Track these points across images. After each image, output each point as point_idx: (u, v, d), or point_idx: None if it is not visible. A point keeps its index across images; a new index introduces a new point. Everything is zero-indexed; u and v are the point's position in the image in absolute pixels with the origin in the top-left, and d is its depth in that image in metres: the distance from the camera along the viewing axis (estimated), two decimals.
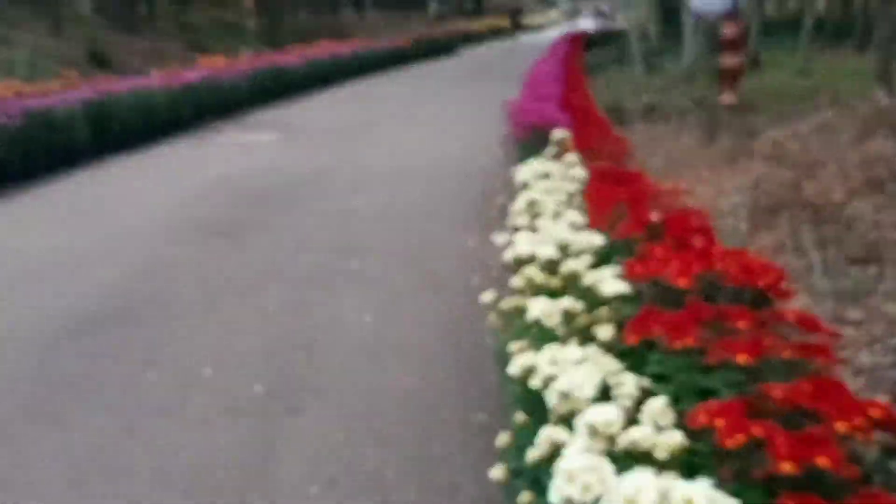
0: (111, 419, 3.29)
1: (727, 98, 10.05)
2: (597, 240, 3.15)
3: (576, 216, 3.45)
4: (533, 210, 4.08)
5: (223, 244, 5.77)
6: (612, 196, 3.79)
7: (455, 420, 3.30)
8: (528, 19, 47.84)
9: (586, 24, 44.75)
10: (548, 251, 3.11)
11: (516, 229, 4.20)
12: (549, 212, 3.93)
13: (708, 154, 7.50)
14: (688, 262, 2.47)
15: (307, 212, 6.68)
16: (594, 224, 3.45)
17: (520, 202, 4.21)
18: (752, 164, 6.48)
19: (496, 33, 36.41)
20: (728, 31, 9.92)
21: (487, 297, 3.17)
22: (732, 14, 9.96)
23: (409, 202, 6.98)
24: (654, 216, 3.24)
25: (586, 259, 3.02)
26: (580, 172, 4.49)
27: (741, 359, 1.80)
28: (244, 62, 14.12)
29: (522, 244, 3.26)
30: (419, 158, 9.11)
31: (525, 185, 4.70)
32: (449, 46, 27.95)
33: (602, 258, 3.12)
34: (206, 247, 5.71)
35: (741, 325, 1.95)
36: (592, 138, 5.41)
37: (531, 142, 5.81)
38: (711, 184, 6.27)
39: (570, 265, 2.94)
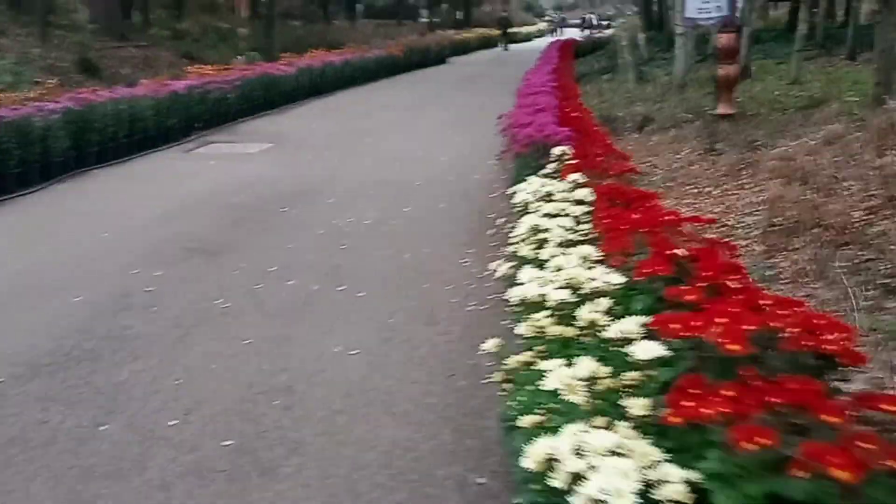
0: (55, 486, 2.78)
1: (724, 108, 9.60)
2: (615, 279, 2.66)
3: (587, 248, 2.95)
4: (536, 237, 3.60)
5: (203, 266, 5.25)
6: (626, 223, 3.31)
7: (452, 482, 2.80)
8: (515, 29, 47.44)
9: (574, 33, 44.41)
10: (559, 294, 2.62)
11: (518, 258, 3.72)
12: (554, 240, 3.45)
13: (709, 167, 7.04)
14: (736, 318, 1.98)
15: (294, 230, 6.17)
16: (608, 256, 2.96)
17: (521, 227, 3.73)
18: (758, 180, 6.01)
19: (486, 43, 35.97)
20: (724, 40, 9.46)
21: (489, 345, 2.69)
22: (729, 23, 9.51)
23: (402, 220, 6.48)
24: (679, 251, 2.77)
25: (604, 303, 2.55)
26: (585, 193, 4.00)
27: (839, 474, 1.32)
28: (234, 71, 13.59)
29: (529, 283, 2.78)
30: (412, 171, 8.61)
31: (525, 207, 4.22)
32: (440, 56, 27.47)
33: (621, 299, 2.64)
34: (184, 269, 5.19)
35: (828, 417, 1.47)
36: (594, 153, 4.92)
37: (529, 157, 5.33)
38: (716, 200, 5.80)
39: (587, 314, 2.46)
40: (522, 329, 2.59)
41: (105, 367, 3.70)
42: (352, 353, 3.86)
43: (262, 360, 3.77)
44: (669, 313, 2.16)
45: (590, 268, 2.83)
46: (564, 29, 53.43)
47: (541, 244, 3.46)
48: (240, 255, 5.50)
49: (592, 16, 56.56)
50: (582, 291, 2.67)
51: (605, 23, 52.93)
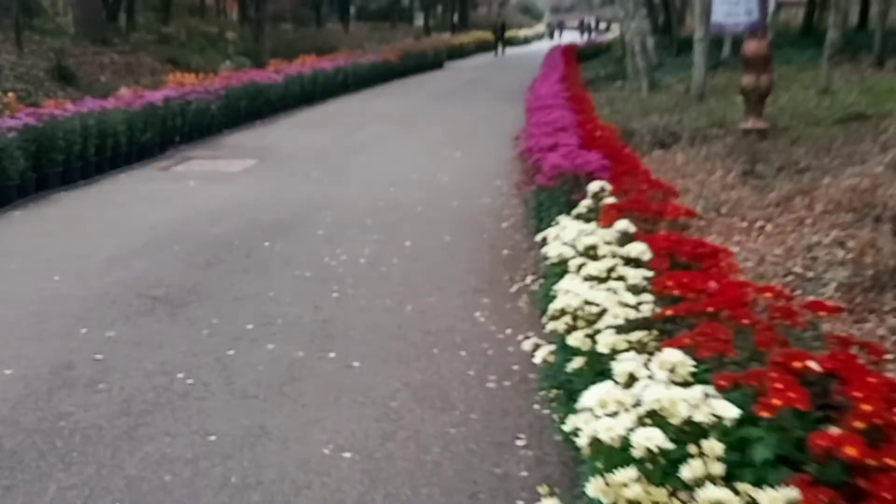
0: None
1: (754, 122, 8.84)
2: (728, 411, 1.86)
3: (673, 353, 2.14)
4: (583, 316, 2.82)
5: (166, 323, 4.44)
6: (705, 301, 2.54)
7: None
8: (513, 33, 46.78)
9: (572, 37, 43.71)
10: (647, 435, 1.83)
11: (560, 340, 2.94)
12: (611, 321, 2.68)
13: (753, 194, 6.26)
14: None
15: (278, 271, 5.37)
16: (702, 358, 2.18)
17: (562, 297, 2.95)
18: (819, 213, 5.23)
19: (482, 47, 35.25)
20: (754, 47, 8.71)
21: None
22: (758, 28, 8.76)
23: (402, 258, 5.68)
24: (812, 362, 1.99)
25: (716, 449, 1.78)
26: (640, 249, 3.22)
27: None
28: (217, 79, 12.78)
29: (595, 410, 1.99)
30: (411, 193, 7.82)
31: (563, 264, 3.43)
32: (437, 60, 26.72)
33: (734, 439, 1.87)
34: (143, 328, 4.38)
35: None
36: (636, 187, 4.14)
37: (557, 190, 4.54)
38: (773, 239, 5.02)
39: (697, 474, 1.68)
40: (593, 490, 1.80)
41: (25, 482, 2.89)
42: (345, 454, 3.05)
43: (230, 469, 2.96)
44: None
45: (678, 382, 2.04)
46: (562, 32, 52.84)
47: (590, 328, 2.68)
48: (211, 306, 4.69)
49: (591, 19, 56.02)
50: (673, 422, 1.89)
51: (603, 26, 52.37)
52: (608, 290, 2.94)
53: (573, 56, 20.97)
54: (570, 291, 2.97)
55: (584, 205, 4.10)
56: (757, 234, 5.16)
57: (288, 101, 14.73)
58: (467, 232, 6.40)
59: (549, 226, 4.51)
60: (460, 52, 31.66)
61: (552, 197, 4.49)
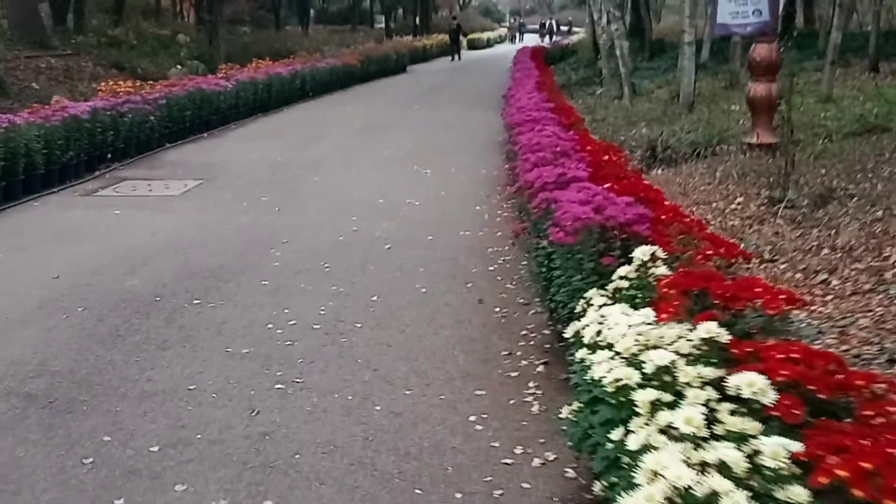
0: None
1: (762, 135, 7.73)
2: None
3: None
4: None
5: (26, 451, 3.10)
6: None
7: None
8: (476, 35, 45.61)
9: (533, 40, 42.69)
10: None
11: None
12: None
13: (791, 229, 5.10)
14: None
15: (203, 347, 4.04)
16: None
17: (650, 482, 1.73)
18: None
19: (446, 51, 33.93)
20: (763, 52, 7.59)
21: None
22: (768, 30, 7.65)
23: (367, 322, 4.39)
24: None
25: None
26: (758, 384, 2.00)
27: None
28: (157, 87, 11.32)
29: None
30: (377, 224, 6.53)
31: (622, 399, 2.18)
32: (400, 64, 25.39)
33: None
34: (2, 456, 3.04)
35: None
36: (701, 252, 2.93)
37: (581, 248, 3.30)
38: (849, 303, 3.84)
39: None
40: None
41: None
42: None
43: None
44: None
45: None
46: (524, 35, 51.80)
47: None
48: (106, 409, 3.36)
49: (553, 21, 55.10)
50: None
51: (565, 28, 51.45)
52: (718, 467, 1.72)
53: (542, 60, 19.80)
54: (663, 465, 1.75)
55: (625, 275, 2.88)
56: (822, 292, 3.98)
57: (240, 110, 13.31)
58: (447, 279, 5.13)
59: (567, 299, 3.28)
60: (423, 56, 30.36)
61: (572, 259, 3.25)
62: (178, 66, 20.71)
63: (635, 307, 2.67)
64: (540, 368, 3.71)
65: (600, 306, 2.77)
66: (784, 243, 4.84)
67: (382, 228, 6.42)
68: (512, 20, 63.62)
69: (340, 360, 3.87)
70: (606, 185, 4.07)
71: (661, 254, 2.79)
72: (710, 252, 2.85)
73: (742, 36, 8.48)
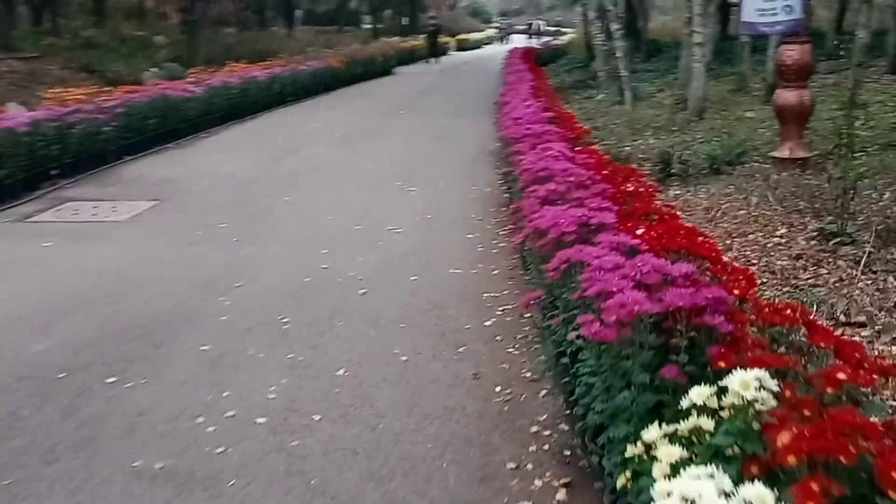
0: None
1: (793, 149, 6.72)
2: None
3: None
4: None
5: None
6: None
7: None
8: (464, 37, 44.54)
9: (521, 41, 41.64)
10: None
11: None
12: None
13: (858, 273, 4.07)
14: None
15: (103, 462, 2.96)
16: None
17: None
18: None
19: (435, 52, 32.82)
20: (795, 53, 6.57)
21: None
22: (799, 30, 6.62)
23: (328, 413, 3.29)
24: None
25: None
26: None
27: None
28: (116, 93, 10.19)
29: None
30: (352, 259, 5.46)
31: None
32: (386, 66, 24.29)
33: None
34: None
35: None
36: (824, 376, 1.87)
37: (630, 345, 2.24)
38: None
39: None
40: None
41: None
42: None
43: None
44: None
45: None
46: (511, 36, 50.75)
47: None
48: None
49: (541, 22, 54.12)
50: None
51: (552, 29, 50.42)
52: None
53: (534, 61, 18.74)
54: None
55: (704, 403, 1.82)
56: None
57: (212, 118, 12.19)
58: (434, 339, 4.07)
59: (606, 419, 2.23)
60: (411, 58, 29.23)
61: (615, 365, 2.19)
62: (154, 69, 19.57)
63: (735, 472, 1.63)
64: (561, 496, 2.65)
65: (674, 465, 1.72)
66: (857, 293, 3.80)
67: (358, 264, 5.35)
68: (502, 22, 62.54)
69: (287, 480, 2.80)
70: (640, 231, 3.04)
71: (770, 384, 1.73)
72: (840, 374, 1.79)
73: (774, 35, 7.42)
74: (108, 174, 8.82)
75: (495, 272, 5.20)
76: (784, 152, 6.76)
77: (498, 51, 35.52)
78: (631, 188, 4.02)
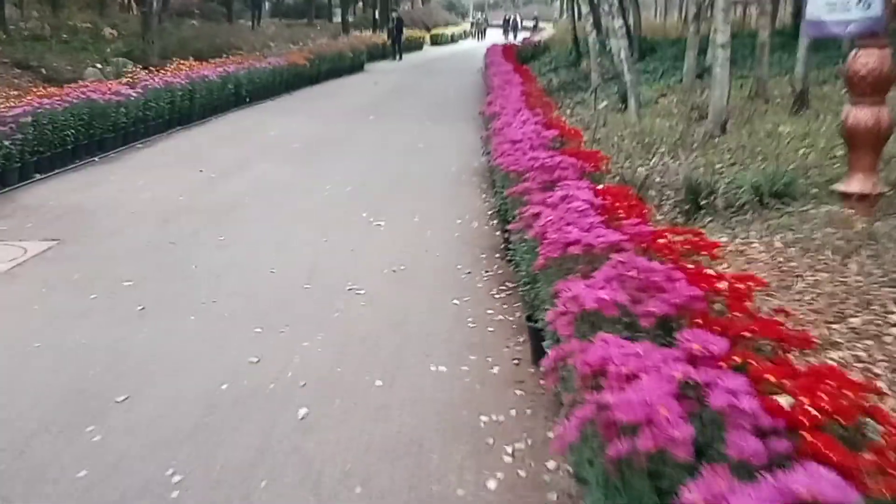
0: None
1: (863, 183, 5.27)
2: None
3: None
4: None
5: None
6: None
7: None
8: (440, 31, 42.95)
9: (496, 35, 40.11)
10: None
11: None
12: None
13: None
14: None
15: None
16: None
17: None
18: None
19: (408, 46, 31.21)
20: (872, 60, 5.11)
21: None
22: (877, 31, 5.16)
23: None
24: None
25: None
26: None
27: None
28: (26, 100, 8.48)
29: None
30: (295, 345, 3.91)
31: None
32: (357, 62, 22.64)
33: None
34: None
35: None
36: None
37: None
38: None
39: None
40: None
41: None
42: None
43: None
44: None
45: None
46: (487, 30, 49.15)
47: None
48: None
49: (518, 17, 52.59)
50: None
51: (530, 24, 48.89)
52: None
53: (517, 60, 17.20)
54: None
55: None
56: None
57: (150, 124, 10.51)
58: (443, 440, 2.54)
59: None
60: (383, 53, 27.57)
61: None
62: (99, 66, 17.76)
63: None
64: None
65: None
66: None
67: (300, 358, 3.79)
68: (478, 15, 60.83)
69: None
70: (786, 402, 1.54)
71: None
72: None
73: (845, 36, 5.95)
74: (6, 199, 7.14)
75: (494, 370, 3.68)
76: (852, 186, 5.31)
77: (475, 47, 34.04)
78: (722, 285, 2.51)
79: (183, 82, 11.63)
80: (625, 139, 8.63)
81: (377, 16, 37.50)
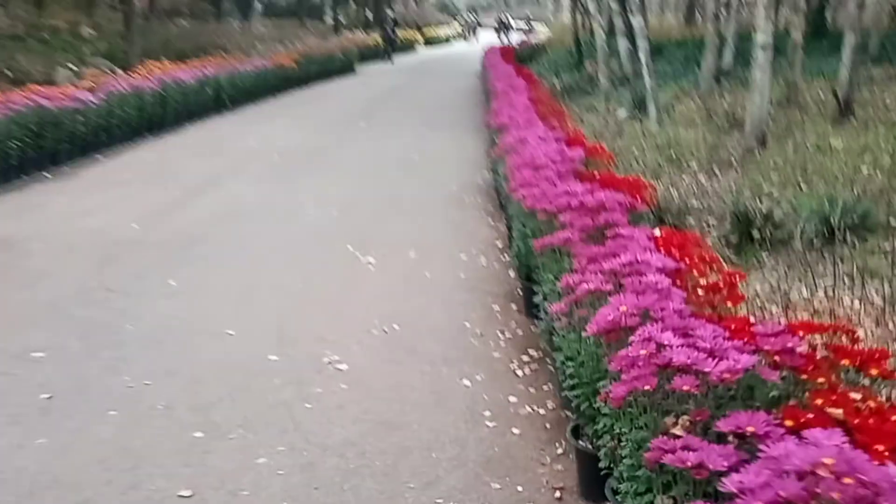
0: None
1: None
2: None
3: None
4: None
5: None
6: None
7: None
8: (433, 32, 41.78)
9: (488, 37, 38.92)
10: None
11: None
12: None
13: None
14: None
15: None
16: None
17: None
18: None
19: (401, 47, 30.00)
20: None
21: None
22: None
23: None
24: None
25: None
26: None
27: None
28: None
29: None
30: (256, 457, 2.75)
31: None
32: (347, 64, 21.44)
33: None
34: None
35: None
36: None
37: None
38: None
39: None
40: None
41: None
42: None
43: None
44: None
45: None
46: (478, 31, 47.88)
47: None
48: None
49: (510, 18, 51.36)
50: None
51: (523, 24, 47.69)
52: None
53: (517, 62, 16.03)
54: None
55: None
56: None
57: (114, 133, 9.32)
58: None
59: None
60: (375, 53, 26.36)
61: None
62: (75, 68, 16.53)
63: None
64: None
65: None
66: None
67: (250, 490, 2.64)
68: (468, 16, 59.55)
69: None
70: None
71: None
72: None
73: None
74: None
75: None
76: None
77: (468, 49, 32.86)
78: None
79: (153, 86, 10.43)
80: (646, 152, 7.49)
81: (369, 15, 36.28)
